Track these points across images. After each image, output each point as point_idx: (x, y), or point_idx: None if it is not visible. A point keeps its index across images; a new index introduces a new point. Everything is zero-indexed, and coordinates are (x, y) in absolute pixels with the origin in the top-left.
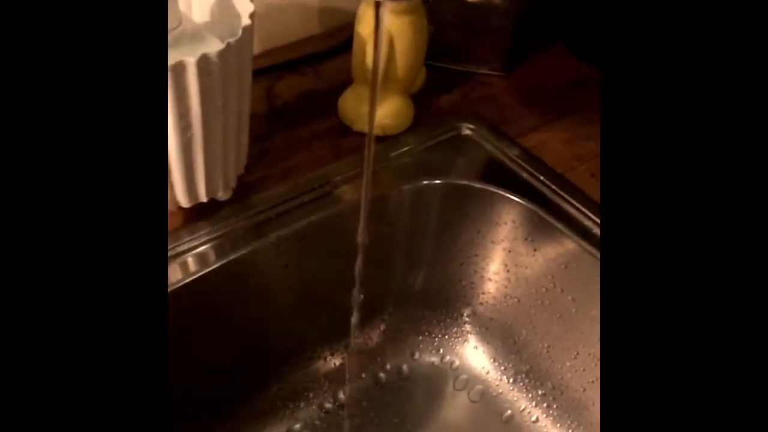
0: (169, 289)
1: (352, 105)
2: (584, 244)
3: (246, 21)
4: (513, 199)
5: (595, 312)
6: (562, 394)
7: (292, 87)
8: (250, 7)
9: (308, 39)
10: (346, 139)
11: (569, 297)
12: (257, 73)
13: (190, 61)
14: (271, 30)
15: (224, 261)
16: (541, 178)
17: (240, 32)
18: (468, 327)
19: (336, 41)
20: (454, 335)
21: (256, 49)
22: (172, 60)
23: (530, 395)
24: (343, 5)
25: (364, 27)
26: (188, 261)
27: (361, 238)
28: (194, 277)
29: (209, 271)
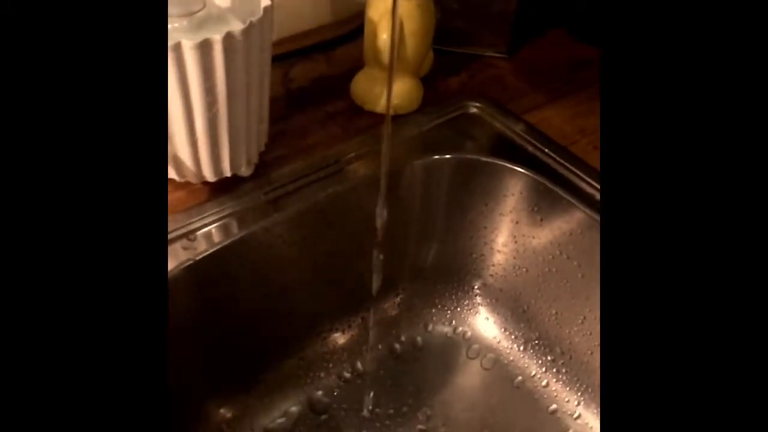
0: (194, 259)
1: (364, 86)
2: (588, 211)
3: (266, 1)
4: (519, 171)
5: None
6: (570, 358)
7: (306, 72)
8: None
9: (320, 28)
10: (359, 118)
11: (575, 263)
12: (273, 60)
13: (216, 39)
14: (285, 19)
15: (247, 232)
16: (546, 150)
17: (261, 12)
18: (479, 299)
19: (346, 29)
20: (466, 307)
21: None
22: (198, 38)
23: (540, 361)
24: None
25: (374, 11)
26: (213, 232)
27: (382, 189)
28: (219, 247)
29: (233, 242)
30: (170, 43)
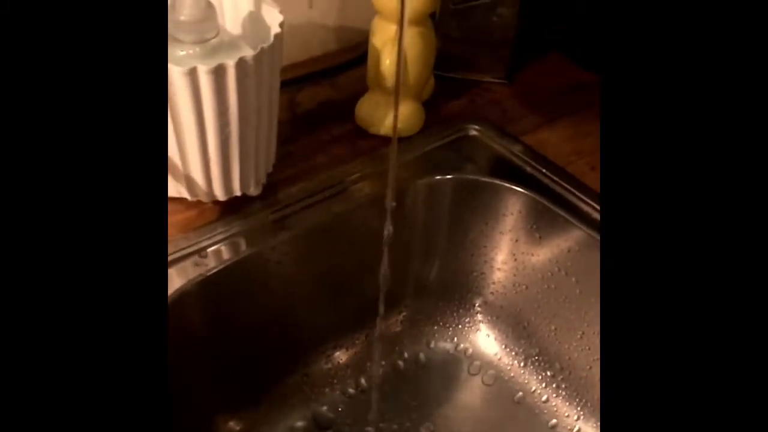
0: (205, 275)
1: (368, 110)
2: (586, 229)
3: (276, 29)
4: (518, 191)
5: (598, 291)
6: (570, 374)
7: (312, 97)
8: (280, 18)
9: (325, 55)
10: (363, 141)
11: (573, 280)
12: (280, 85)
13: (230, 64)
14: (291, 46)
15: (254, 250)
16: (544, 171)
17: (272, 39)
18: (480, 316)
19: (350, 56)
20: (467, 324)
21: None
22: (212, 64)
23: (540, 377)
24: (356, 24)
25: (378, 39)
26: (222, 250)
27: (389, 204)
28: (228, 264)
29: (241, 259)
30: (186, 68)
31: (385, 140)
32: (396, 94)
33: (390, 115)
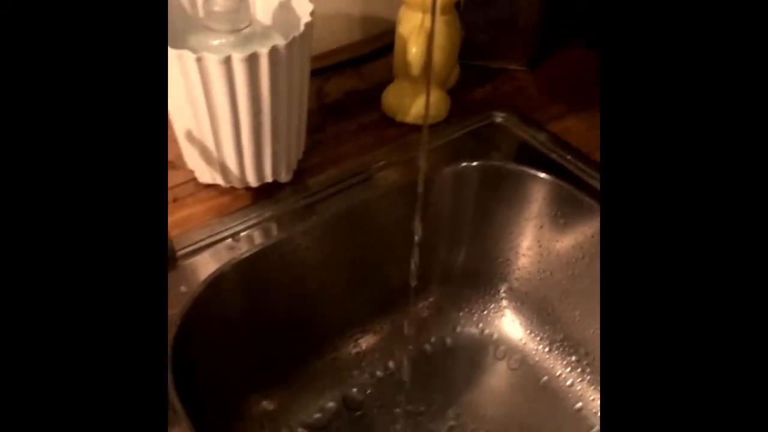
0: (238, 259)
1: (395, 99)
2: None
3: (307, 18)
4: (543, 177)
5: None
6: (594, 358)
7: (339, 86)
8: (310, 7)
9: (351, 44)
10: (390, 129)
11: (597, 265)
12: None
13: (263, 52)
14: (318, 37)
15: (285, 235)
16: (568, 157)
17: (302, 28)
18: (505, 302)
19: (376, 45)
20: (492, 310)
21: None
22: (246, 52)
23: (565, 362)
24: (381, 14)
25: (404, 27)
26: (254, 234)
27: (420, 189)
28: (260, 248)
29: (273, 244)
30: (221, 56)
31: (412, 128)
32: (428, 81)
33: (416, 104)
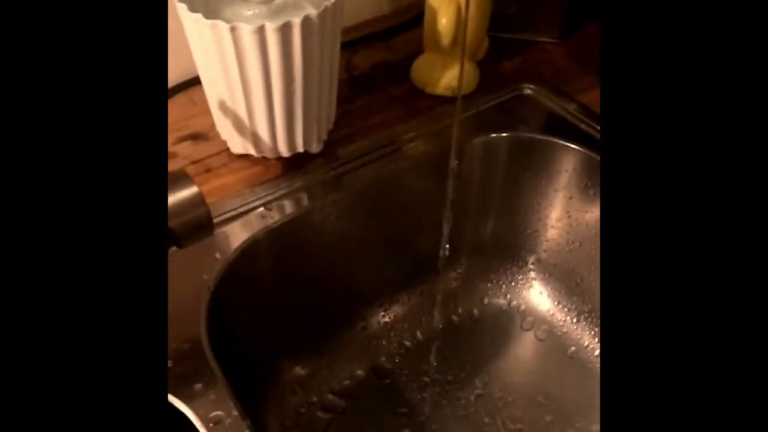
0: (270, 227)
1: (424, 70)
2: None
3: None
4: (573, 148)
5: None
6: None
7: (368, 59)
8: None
9: (379, 17)
10: (419, 101)
11: None
12: None
13: (296, 22)
14: (347, 9)
15: (316, 204)
16: (598, 128)
17: None
18: (533, 273)
19: (404, 18)
20: (520, 281)
21: None
22: (279, 22)
23: (592, 332)
24: None
25: None
26: (286, 203)
27: (452, 161)
28: (291, 217)
29: (303, 212)
30: (254, 26)
31: (441, 100)
32: (462, 53)
33: (446, 75)
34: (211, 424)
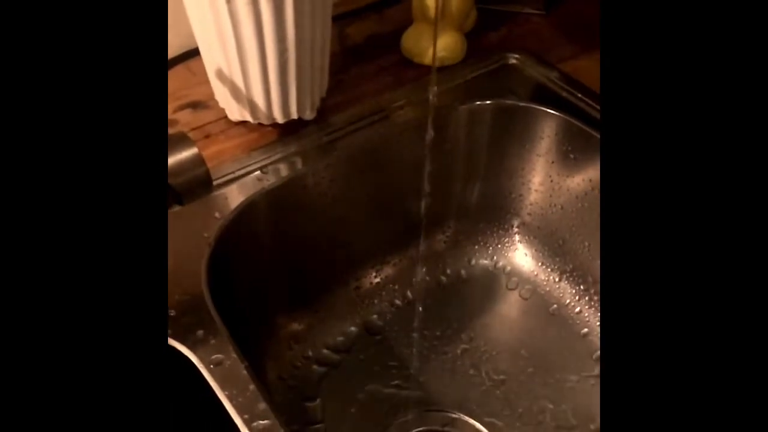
0: (266, 189)
1: (413, 41)
2: None
3: None
4: (553, 114)
5: None
6: None
7: (360, 30)
8: None
9: None
10: (408, 70)
11: None
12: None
13: None
14: None
15: (310, 168)
16: (579, 95)
17: None
18: (518, 236)
19: None
20: (506, 243)
21: None
22: None
23: (574, 291)
24: None
25: None
26: (281, 167)
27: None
28: (286, 179)
29: (297, 175)
30: None
31: (429, 69)
32: (435, 24)
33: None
34: (211, 366)
